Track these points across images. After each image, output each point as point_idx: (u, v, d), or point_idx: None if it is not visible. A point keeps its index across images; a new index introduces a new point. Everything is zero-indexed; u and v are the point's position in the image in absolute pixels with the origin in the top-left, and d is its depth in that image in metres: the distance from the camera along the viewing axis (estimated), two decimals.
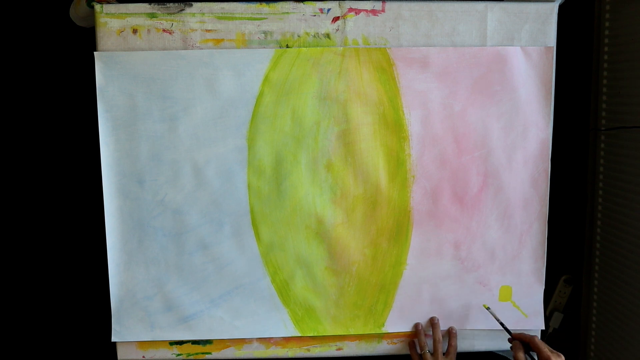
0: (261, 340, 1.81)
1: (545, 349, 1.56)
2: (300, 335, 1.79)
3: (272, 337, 1.81)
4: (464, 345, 1.85)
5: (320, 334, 1.80)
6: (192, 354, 1.81)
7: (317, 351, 1.82)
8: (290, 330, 1.79)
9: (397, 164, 1.72)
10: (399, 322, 1.80)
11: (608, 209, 2.23)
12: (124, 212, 1.72)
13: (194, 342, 1.80)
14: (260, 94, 1.68)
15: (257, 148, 1.70)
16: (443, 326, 1.81)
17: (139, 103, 1.67)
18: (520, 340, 1.63)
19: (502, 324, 1.71)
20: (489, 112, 1.72)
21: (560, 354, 1.56)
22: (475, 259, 1.78)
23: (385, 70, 1.69)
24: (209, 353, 1.81)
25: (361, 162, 1.72)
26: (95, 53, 1.66)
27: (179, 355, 1.80)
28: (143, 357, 1.80)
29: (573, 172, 2.29)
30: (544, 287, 1.81)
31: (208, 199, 1.72)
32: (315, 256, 1.75)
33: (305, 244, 1.74)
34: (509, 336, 1.68)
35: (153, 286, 1.74)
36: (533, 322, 1.82)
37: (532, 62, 1.71)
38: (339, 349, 1.83)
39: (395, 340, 1.83)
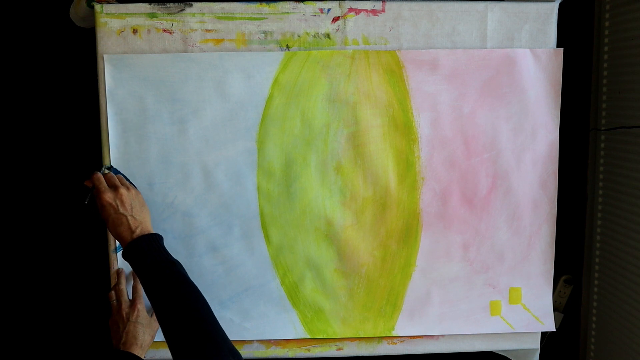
0: (261, 340, 1.81)
1: (102, 184, 1.58)
2: (310, 337, 1.79)
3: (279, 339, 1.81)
4: (464, 345, 1.85)
5: (330, 337, 1.80)
6: None
7: (317, 351, 1.82)
8: (299, 332, 1.78)
9: (407, 166, 1.73)
10: (409, 325, 1.80)
11: (608, 209, 2.24)
12: None
13: None
14: (270, 97, 1.68)
15: (266, 150, 1.70)
16: (449, 329, 1.82)
17: (148, 106, 1.67)
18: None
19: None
20: (498, 114, 1.72)
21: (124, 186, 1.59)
22: (484, 261, 1.78)
23: (395, 72, 1.69)
24: None
25: (371, 164, 1.72)
26: (104, 56, 1.65)
27: None
28: (143, 357, 1.80)
29: (573, 172, 2.30)
30: (552, 289, 1.82)
31: (218, 201, 1.71)
32: (324, 258, 1.75)
33: (314, 246, 1.74)
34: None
35: None
36: (543, 324, 1.83)
37: (541, 64, 1.71)
38: (339, 349, 1.82)
39: (395, 340, 1.83)
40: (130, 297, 1.71)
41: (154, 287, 1.44)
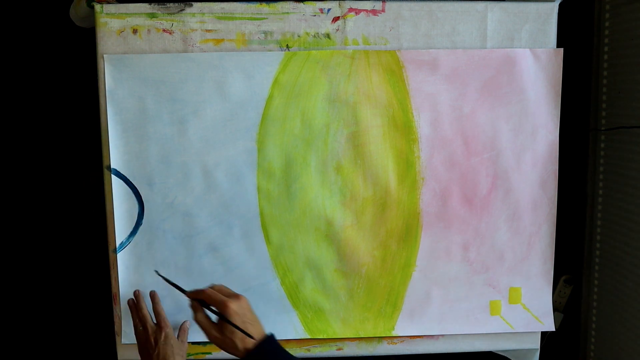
0: None
1: (218, 296, 1.52)
2: (310, 337, 1.79)
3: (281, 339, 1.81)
4: (464, 345, 1.86)
5: (330, 337, 1.80)
6: (192, 354, 1.80)
7: (317, 351, 1.82)
8: (299, 332, 1.79)
9: (407, 166, 1.73)
10: (409, 325, 1.80)
11: (608, 209, 2.24)
12: (133, 214, 1.71)
13: (194, 342, 1.79)
14: (270, 97, 1.68)
15: (266, 150, 1.70)
16: (449, 329, 1.82)
17: (148, 106, 1.67)
18: (197, 299, 1.56)
19: (174, 285, 1.65)
20: (498, 114, 1.72)
21: (239, 295, 1.52)
22: (484, 261, 1.78)
23: (395, 72, 1.69)
24: (209, 353, 1.81)
25: (371, 164, 1.72)
26: (105, 56, 1.65)
27: None
28: None
29: (573, 172, 2.30)
30: (552, 289, 1.82)
31: (218, 201, 1.71)
32: (324, 258, 1.75)
33: (314, 246, 1.74)
34: (189, 300, 1.58)
35: (162, 289, 1.72)
36: (543, 324, 1.83)
37: (541, 64, 1.71)
38: (339, 349, 1.83)
39: (395, 340, 1.83)
40: (155, 321, 1.70)
41: None
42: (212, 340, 1.51)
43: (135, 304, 1.72)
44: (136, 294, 1.73)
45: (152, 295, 1.73)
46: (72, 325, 2.45)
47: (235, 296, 1.53)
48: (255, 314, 1.52)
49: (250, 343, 1.47)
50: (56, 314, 2.46)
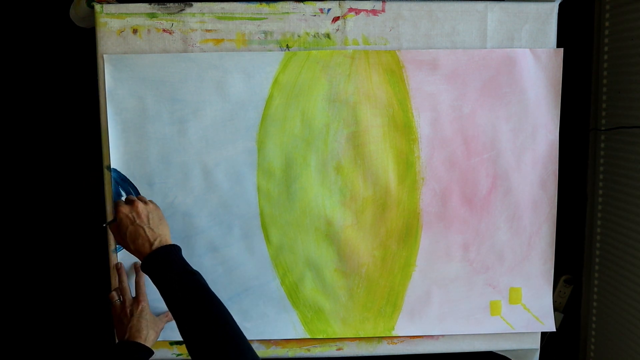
0: (261, 340, 1.81)
1: (117, 201, 1.59)
2: (310, 337, 1.79)
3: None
4: (464, 345, 1.85)
5: (330, 337, 1.79)
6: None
7: (317, 351, 1.82)
8: (299, 332, 1.78)
9: (407, 166, 1.72)
10: (409, 325, 1.80)
11: (608, 209, 2.24)
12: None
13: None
14: (270, 97, 1.68)
15: (266, 150, 1.70)
16: (449, 329, 1.81)
17: (148, 106, 1.67)
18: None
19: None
20: (498, 114, 1.72)
21: (137, 201, 1.57)
22: (484, 261, 1.78)
23: (395, 72, 1.69)
24: None
25: (371, 164, 1.71)
26: (104, 56, 1.65)
27: (179, 355, 1.79)
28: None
29: (573, 172, 2.30)
30: (552, 289, 1.82)
31: (217, 201, 1.71)
32: (324, 258, 1.75)
33: (314, 246, 1.74)
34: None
35: None
36: (543, 324, 1.83)
37: (541, 64, 1.71)
38: (339, 349, 1.82)
39: (395, 340, 1.83)
40: (133, 294, 1.71)
41: (174, 299, 1.43)
42: (120, 243, 1.60)
43: (119, 272, 1.73)
44: (119, 269, 1.73)
45: (137, 268, 1.74)
46: (72, 325, 2.45)
47: (134, 201, 1.57)
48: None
49: (147, 249, 1.50)
50: (56, 314, 2.46)
